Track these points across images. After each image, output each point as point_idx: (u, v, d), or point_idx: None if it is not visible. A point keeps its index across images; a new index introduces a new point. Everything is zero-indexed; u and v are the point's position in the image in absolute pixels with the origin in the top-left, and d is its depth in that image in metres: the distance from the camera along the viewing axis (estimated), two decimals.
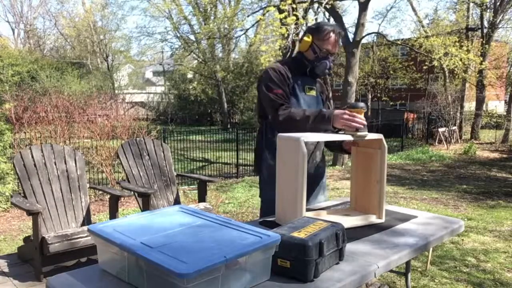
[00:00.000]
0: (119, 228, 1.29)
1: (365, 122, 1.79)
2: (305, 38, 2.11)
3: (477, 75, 14.55)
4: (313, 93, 2.19)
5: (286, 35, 7.83)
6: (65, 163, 3.43)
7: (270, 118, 2.04)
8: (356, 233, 1.70)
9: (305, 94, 2.14)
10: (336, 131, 1.87)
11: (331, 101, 20.32)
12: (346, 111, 1.82)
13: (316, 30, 2.10)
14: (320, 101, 2.23)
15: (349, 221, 1.79)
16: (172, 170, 3.94)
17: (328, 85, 20.00)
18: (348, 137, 1.87)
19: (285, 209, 1.70)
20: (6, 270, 3.23)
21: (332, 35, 2.08)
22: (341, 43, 2.16)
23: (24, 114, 6.76)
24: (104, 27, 27.01)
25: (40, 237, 2.94)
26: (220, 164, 9.80)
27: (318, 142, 2.22)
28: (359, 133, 1.77)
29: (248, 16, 13.50)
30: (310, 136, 1.71)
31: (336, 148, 2.20)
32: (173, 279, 1.01)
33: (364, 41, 11.31)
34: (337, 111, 1.86)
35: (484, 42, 14.86)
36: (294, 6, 8.03)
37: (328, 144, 2.29)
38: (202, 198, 3.87)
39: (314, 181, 2.25)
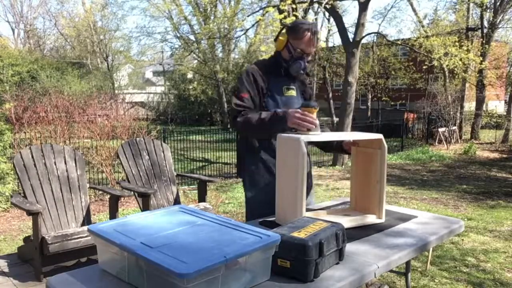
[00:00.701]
0: (119, 228, 1.29)
1: (316, 122, 1.75)
2: (280, 37, 2.06)
3: (477, 75, 14.55)
4: (292, 93, 2.12)
5: None
6: (65, 163, 3.43)
7: (233, 127, 2.02)
8: (356, 233, 1.70)
9: (282, 95, 2.08)
10: (294, 131, 1.83)
11: (331, 101, 20.30)
12: (298, 110, 1.79)
13: (292, 29, 2.04)
14: (299, 101, 2.14)
15: (349, 221, 1.79)
16: (172, 170, 3.94)
17: (328, 85, 20.03)
18: (351, 136, 1.87)
19: (285, 209, 1.71)
20: (6, 270, 3.23)
21: (308, 34, 2.01)
22: (318, 42, 2.12)
23: (24, 114, 6.77)
24: (104, 27, 27.02)
25: (40, 237, 2.94)
26: (220, 164, 9.80)
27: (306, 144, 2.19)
28: (310, 133, 1.74)
29: (248, 16, 13.51)
30: (310, 136, 1.71)
31: (336, 148, 2.19)
32: (173, 279, 1.01)
33: (364, 41, 11.31)
34: (290, 110, 1.83)
35: (484, 42, 14.87)
36: (294, 6, 8.03)
37: (325, 145, 2.26)
38: (202, 198, 3.87)
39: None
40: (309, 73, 2.22)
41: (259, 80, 2.04)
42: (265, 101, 2.05)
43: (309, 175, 2.24)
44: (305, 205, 1.66)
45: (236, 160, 8.88)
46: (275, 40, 2.09)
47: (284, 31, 2.07)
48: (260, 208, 2.01)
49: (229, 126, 22.41)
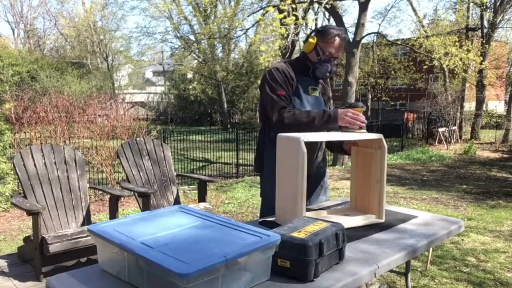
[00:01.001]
0: (119, 228, 1.29)
1: (365, 121, 1.87)
2: (310, 40, 2.12)
3: (477, 75, 14.55)
4: (316, 93, 2.19)
5: (285, 35, 7.83)
6: (65, 163, 3.43)
7: (274, 120, 2.04)
8: (356, 233, 1.70)
9: (308, 95, 2.14)
10: (342, 129, 1.92)
11: (331, 101, 20.43)
12: (350, 110, 1.89)
13: (322, 33, 2.11)
14: (322, 101, 2.24)
15: (349, 221, 1.79)
16: (172, 170, 3.94)
17: (329, 86, 19.97)
18: (348, 136, 1.88)
19: (285, 209, 1.70)
20: (6, 270, 3.23)
21: (337, 39, 2.09)
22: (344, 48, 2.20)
23: (24, 114, 6.76)
24: (104, 27, 27.02)
25: (40, 237, 2.94)
26: (220, 164, 9.80)
27: (321, 143, 2.22)
28: (361, 131, 1.86)
29: (248, 16, 13.49)
30: (310, 136, 1.71)
31: (336, 148, 2.21)
32: (173, 279, 1.01)
33: (364, 41, 11.32)
34: (340, 110, 1.91)
35: (484, 42, 14.86)
36: (293, 6, 8.03)
37: (328, 145, 2.30)
38: (202, 198, 3.87)
39: (316, 181, 2.25)
40: (333, 76, 2.30)
41: (290, 78, 2.10)
42: (292, 99, 2.10)
43: (323, 174, 2.32)
44: (307, 205, 1.66)
45: (235, 160, 8.91)
46: (304, 42, 2.16)
47: (313, 34, 2.14)
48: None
49: (235, 122, 22.43)
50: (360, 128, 1.87)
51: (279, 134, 1.74)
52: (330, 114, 1.94)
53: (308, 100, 2.13)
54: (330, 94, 2.39)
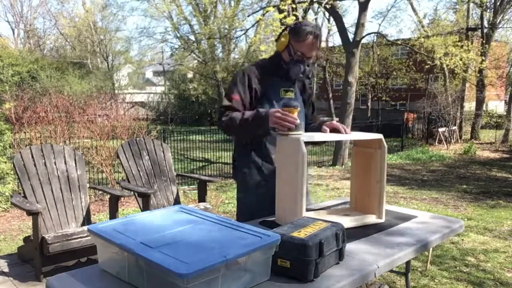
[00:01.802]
0: (119, 228, 1.29)
1: (297, 122, 1.70)
2: (282, 38, 2.00)
3: (477, 75, 14.55)
4: (290, 94, 2.06)
5: None
6: (65, 163, 3.43)
7: (218, 127, 1.99)
8: (356, 233, 1.70)
9: (279, 97, 2.02)
10: (275, 131, 1.79)
11: (331, 101, 20.28)
12: (279, 110, 1.75)
13: (294, 31, 1.97)
14: (300, 102, 2.07)
15: (349, 221, 1.79)
16: (172, 170, 3.94)
17: (328, 85, 19.99)
18: (349, 136, 1.87)
19: (285, 209, 1.70)
20: (6, 270, 3.23)
21: (310, 37, 1.94)
22: (320, 45, 2.03)
23: (24, 114, 6.76)
24: (104, 27, 27.03)
25: (40, 237, 2.94)
26: (220, 164, 9.79)
27: None
28: (291, 133, 1.70)
29: (248, 16, 13.51)
30: (310, 136, 1.71)
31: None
32: (173, 279, 1.01)
33: (364, 41, 11.31)
34: (271, 110, 1.78)
35: (484, 42, 14.86)
36: (294, 6, 8.03)
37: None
38: (202, 198, 3.87)
39: None
40: (310, 76, 2.12)
41: (254, 83, 1.99)
42: (261, 103, 2.00)
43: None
44: (305, 205, 1.66)
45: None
46: (277, 40, 2.04)
47: (286, 32, 2.00)
48: (250, 210, 2.00)
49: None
50: (289, 129, 1.69)
51: (279, 134, 1.74)
52: (261, 115, 1.80)
53: (280, 103, 1.96)
54: (311, 92, 2.24)
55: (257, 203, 1.97)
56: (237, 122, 1.87)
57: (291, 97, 2.04)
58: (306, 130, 2.05)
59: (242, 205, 2.12)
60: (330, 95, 20.03)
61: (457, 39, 10.22)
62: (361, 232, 1.73)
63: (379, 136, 1.83)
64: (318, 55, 2.09)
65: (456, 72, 11.48)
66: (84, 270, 1.32)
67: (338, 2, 10.50)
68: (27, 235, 3.72)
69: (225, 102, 1.97)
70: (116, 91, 22.14)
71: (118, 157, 3.75)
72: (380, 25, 31.67)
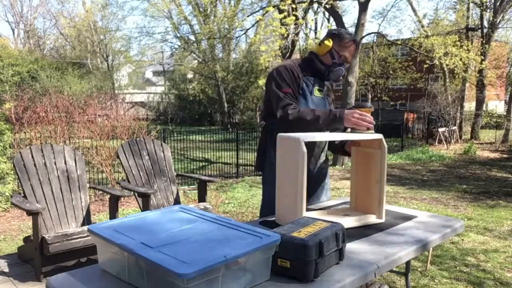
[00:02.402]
0: (119, 228, 1.29)
1: (373, 121, 1.84)
2: (326, 42, 2.11)
3: (477, 75, 14.55)
4: (321, 95, 2.19)
5: (285, 35, 7.83)
6: (65, 163, 3.43)
7: (278, 117, 2.02)
8: (356, 233, 1.70)
9: (313, 95, 2.14)
10: (349, 130, 1.89)
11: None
12: (357, 111, 1.85)
13: (338, 36, 2.12)
14: (326, 103, 2.23)
15: (349, 221, 1.79)
16: (172, 170, 3.94)
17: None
18: (349, 136, 1.88)
19: (285, 209, 1.70)
20: (6, 270, 3.23)
21: (352, 44, 2.12)
22: (357, 54, 2.21)
23: (24, 114, 6.76)
24: (104, 27, 27.02)
25: (40, 237, 2.94)
26: (220, 164, 9.80)
27: (324, 144, 2.21)
28: (368, 132, 1.83)
29: (248, 16, 13.50)
30: (310, 136, 1.71)
31: (338, 149, 2.20)
32: (173, 279, 1.01)
33: (364, 41, 11.33)
34: (347, 111, 1.88)
35: (484, 42, 14.86)
36: (293, 6, 8.03)
37: (329, 146, 2.28)
38: (202, 198, 3.87)
39: (317, 182, 2.25)
40: (341, 80, 2.29)
41: (297, 78, 2.09)
42: (298, 98, 2.09)
43: (325, 175, 2.32)
44: (308, 205, 1.66)
45: (235, 160, 8.91)
46: (320, 44, 2.15)
47: (328, 36, 2.14)
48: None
49: (235, 122, 22.44)
50: (368, 129, 1.84)
51: (279, 134, 1.74)
52: (336, 114, 1.91)
53: (313, 101, 2.13)
54: (333, 97, 2.38)
55: None
56: (308, 118, 1.95)
57: (321, 97, 2.18)
58: (330, 146, 2.27)
59: (269, 197, 2.12)
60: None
61: (457, 39, 10.21)
62: (361, 232, 1.73)
63: (379, 136, 1.83)
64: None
65: (456, 72, 11.47)
66: (84, 270, 1.32)
67: (338, 2, 10.50)
68: (27, 235, 3.71)
69: (282, 96, 2.04)
70: (116, 91, 22.13)
71: (118, 157, 3.75)
72: (380, 25, 31.71)
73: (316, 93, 2.15)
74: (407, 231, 1.77)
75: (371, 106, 1.91)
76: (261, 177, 2.31)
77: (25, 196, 3.15)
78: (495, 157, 11.64)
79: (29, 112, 6.75)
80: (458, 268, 3.54)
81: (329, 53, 2.12)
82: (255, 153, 2.30)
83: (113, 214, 3.34)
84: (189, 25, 22.23)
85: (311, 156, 2.15)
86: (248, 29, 13.76)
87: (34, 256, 3.00)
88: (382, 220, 1.86)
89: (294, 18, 7.28)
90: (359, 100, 20.48)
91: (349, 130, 1.95)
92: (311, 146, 2.12)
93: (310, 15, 15.54)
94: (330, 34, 2.14)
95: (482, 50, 14.30)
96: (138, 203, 3.55)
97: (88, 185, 3.63)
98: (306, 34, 15.57)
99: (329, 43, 2.11)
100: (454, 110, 14.74)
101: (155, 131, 7.78)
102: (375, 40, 18.95)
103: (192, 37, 22.79)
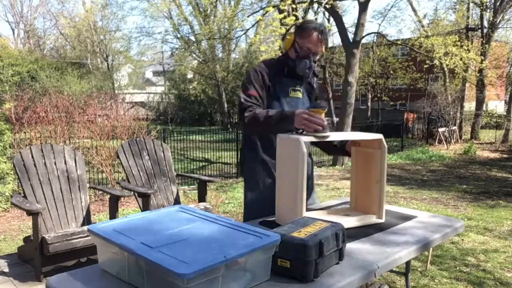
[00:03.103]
0: (119, 228, 1.29)
1: (324, 123, 1.70)
2: (287, 36, 2.07)
3: (477, 75, 14.55)
4: (298, 94, 2.10)
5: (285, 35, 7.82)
6: (65, 163, 3.43)
7: (238, 121, 2.01)
8: (356, 233, 1.70)
9: (288, 96, 2.06)
10: (300, 132, 1.79)
11: (331, 101, 20.34)
12: (306, 111, 1.76)
13: (299, 28, 2.04)
14: (307, 102, 2.13)
15: (349, 221, 1.79)
16: (172, 170, 3.94)
17: (328, 85, 20.00)
18: (349, 136, 1.87)
19: (285, 209, 1.70)
20: (6, 270, 3.23)
21: (314, 33, 1.99)
22: (325, 42, 2.09)
23: (24, 114, 6.76)
24: (104, 27, 27.02)
25: (40, 237, 2.94)
26: (220, 164, 9.80)
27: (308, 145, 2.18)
28: (318, 134, 1.70)
29: (248, 16, 13.50)
30: (309, 136, 1.71)
31: (338, 150, 2.17)
32: (173, 279, 1.01)
33: (364, 41, 11.30)
34: (298, 111, 1.79)
35: (484, 42, 14.86)
36: (293, 6, 8.03)
37: (326, 146, 2.22)
38: (202, 198, 3.87)
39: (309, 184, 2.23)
40: (317, 74, 2.18)
41: (266, 80, 2.03)
42: (269, 101, 2.03)
43: (310, 176, 2.22)
44: (305, 205, 1.66)
45: (235, 160, 8.91)
46: (283, 39, 2.12)
47: (291, 31, 2.08)
48: (258, 209, 2.02)
49: (235, 122, 22.43)
50: (316, 131, 1.69)
51: (279, 134, 1.74)
52: (286, 114, 1.82)
53: (288, 102, 2.05)
54: (327, 94, 2.33)
55: (264, 203, 1.98)
56: (261, 119, 1.89)
57: (298, 97, 2.09)
58: (327, 148, 2.20)
59: (250, 204, 2.13)
60: (330, 95, 20.01)
61: (457, 39, 10.21)
62: (361, 232, 1.73)
63: (379, 136, 1.83)
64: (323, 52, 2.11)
65: (456, 72, 11.47)
66: (84, 270, 1.32)
67: (338, 2, 10.50)
68: (27, 235, 3.71)
69: (244, 97, 1.99)
70: (116, 91, 22.13)
71: (118, 157, 3.75)
72: (380, 25, 31.70)
73: (292, 94, 2.07)
74: (407, 231, 1.77)
75: (325, 107, 1.78)
76: None
77: (25, 196, 3.15)
78: (495, 157, 11.64)
79: (29, 112, 6.75)
80: (458, 268, 3.54)
81: (292, 47, 2.03)
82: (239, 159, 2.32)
83: (113, 214, 3.34)
84: (189, 25, 22.24)
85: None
86: (248, 29, 13.78)
87: (34, 256, 3.00)
88: (382, 220, 1.86)
89: (294, 18, 7.27)
90: (359, 100, 20.50)
91: (301, 131, 1.82)
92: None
93: (310, 15, 15.54)
94: (294, 28, 2.08)
95: (482, 50, 14.30)
96: (138, 203, 3.55)
97: (88, 185, 3.63)
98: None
99: (290, 36, 2.04)
100: (454, 110, 14.74)
101: (155, 131, 7.78)
102: (375, 40, 18.94)
103: (192, 37, 22.80)
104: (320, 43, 2.02)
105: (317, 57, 2.06)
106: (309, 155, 2.25)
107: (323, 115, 1.74)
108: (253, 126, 1.95)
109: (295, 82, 2.10)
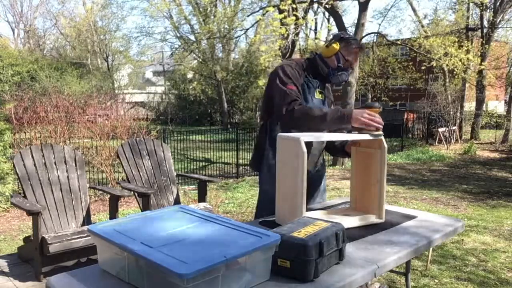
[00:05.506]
0: (119, 228, 1.29)
1: (382, 122, 1.80)
2: (334, 45, 2.10)
3: (477, 76, 14.55)
4: (321, 96, 2.18)
5: (285, 35, 7.83)
6: (65, 163, 3.43)
7: (284, 113, 1.96)
8: (356, 233, 1.70)
9: (314, 98, 2.13)
10: (356, 131, 1.85)
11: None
12: (366, 111, 1.82)
13: (345, 40, 2.12)
14: (326, 105, 2.22)
15: (349, 221, 1.79)
16: (172, 170, 3.94)
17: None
18: (349, 136, 1.87)
19: (285, 209, 1.70)
20: (6, 270, 3.23)
21: (358, 49, 2.13)
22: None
23: (24, 114, 6.76)
24: (104, 27, 27.01)
25: (40, 237, 2.94)
26: (221, 164, 9.80)
27: (322, 147, 2.21)
28: (376, 132, 1.79)
29: (248, 16, 13.52)
30: (309, 136, 1.71)
31: (337, 151, 2.20)
32: (173, 279, 1.01)
33: (364, 41, 11.31)
34: (356, 111, 1.85)
35: (484, 42, 14.86)
36: (294, 6, 8.03)
37: (328, 148, 2.27)
38: (202, 198, 3.87)
39: (314, 185, 2.24)
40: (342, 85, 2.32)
41: (300, 78, 2.08)
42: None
43: (321, 178, 2.29)
44: (306, 205, 1.66)
45: (235, 160, 8.91)
46: (327, 46, 2.13)
47: (335, 39, 2.13)
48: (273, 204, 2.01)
49: (235, 122, 22.42)
50: (377, 129, 1.79)
51: (279, 134, 1.73)
52: (344, 113, 1.86)
53: (314, 102, 2.11)
54: (332, 99, 2.38)
55: None
56: (315, 114, 1.91)
57: (321, 99, 2.17)
58: (329, 148, 2.25)
59: (266, 197, 2.10)
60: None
61: (456, 40, 10.21)
62: (361, 232, 1.73)
63: (379, 136, 1.83)
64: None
65: (455, 72, 11.48)
66: (84, 270, 1.32)
67: (338, 2, 10.49)
68: (27, 235, 3.71)
69: (289, 91, 2.00)
70: (116, 91, 22.13)
71: (118, 157, 3.75)
72: (380, 25, 31.71)
73: (317, 95, 2.14)
74: (407, 231, 1.77)
75: (380, 106, 1.87)
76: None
77: (25, 196, 3.15)
78: (495, 157, 11.64)
79: (29, 112, 6.75)
80: (458, 268, 3.54)
81: (335, 56, 2.10)
82: (253, 152, 2.29)
83: (113, 214, 3.34)
84: (189, 25, 22.23)
85: (312, 160, 2.14)
86: (248, 29, 13.79)
87: (34, 256, 3.00)
88: (382, 220, 1.86)
89: (294, 18, 7.28)
90: (358, 100, 20.48)
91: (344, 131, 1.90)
92: (312, 150, 2.11)
93: (310, 15, 15.54)
94: (338, 38, 2.13)
95: (482, 50, 14.30)
96: (138, 203, 3.55)
97: (88, 185, 3.63)
98: (306, 34, 15.57)
99: (336, 46, 2.10)
100: (454, 110, 14.74)
101: (155, 131, 7.79)
102: (375, 40, 18.93)
103: (192, 37, 22.78)
104: (357, 60, 2.17)
105: (350, 71, 2.19)
106: (323, 162, 2.29)
107: (378, 114, 1.82)
108: (301, 120, 1.94)
109: (321, 85, 2.19)
